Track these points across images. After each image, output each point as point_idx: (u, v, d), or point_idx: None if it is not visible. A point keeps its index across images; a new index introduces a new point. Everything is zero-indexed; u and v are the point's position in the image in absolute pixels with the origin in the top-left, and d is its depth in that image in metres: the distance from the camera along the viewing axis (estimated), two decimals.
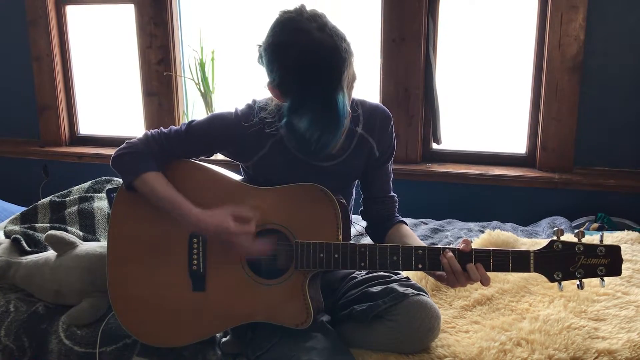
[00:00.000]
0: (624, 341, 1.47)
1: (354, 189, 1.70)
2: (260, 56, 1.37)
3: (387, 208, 1.65)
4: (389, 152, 1.62)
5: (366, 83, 2.87)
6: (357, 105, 1.57)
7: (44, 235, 1.84)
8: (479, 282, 1.38)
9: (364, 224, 1.73)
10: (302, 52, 1.28)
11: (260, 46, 1.37)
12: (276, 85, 1.35)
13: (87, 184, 2.26)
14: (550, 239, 1.35)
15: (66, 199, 2.16)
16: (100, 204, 2.15)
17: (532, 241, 2.07)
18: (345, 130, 1.43)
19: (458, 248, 1.38)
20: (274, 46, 1.32)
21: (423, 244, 1.51)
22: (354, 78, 1.38)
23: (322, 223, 1.45)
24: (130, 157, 1.52)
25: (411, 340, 1.48)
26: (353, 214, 1.74)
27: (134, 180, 1.51)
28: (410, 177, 2.74)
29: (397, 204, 1.67)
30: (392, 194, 1.67)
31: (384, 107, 1.61)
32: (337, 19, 1.36)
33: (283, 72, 1.32)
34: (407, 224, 1.64)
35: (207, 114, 2.99)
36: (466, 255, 1.37)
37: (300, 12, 1.32)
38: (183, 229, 1.52)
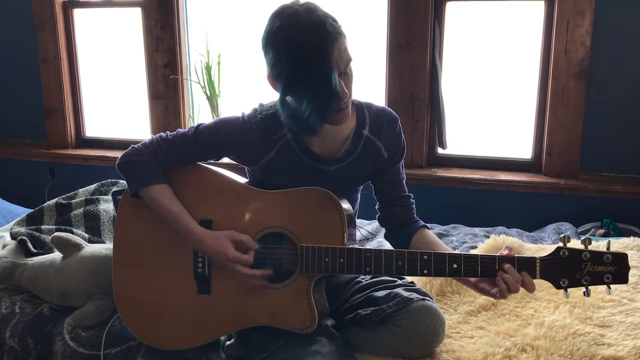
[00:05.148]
0: (630, 348, 1.46)
1: (359, 194, 1.70)
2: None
3: (405, 210, 1.63)
4: (399, 153, 1.62)
5: (372, 88, 2.87)
6: (363, 108, 1.57)
7: (50, 237, 1.84)
8: None
9: (370, 228, 1.72)
10: (290, 31, 1.32)
11: None
12: (271, 69, 1.38)
13: (93, 186, 2.27)
14: (556, 246, 1.35)
15: (72, 201, 2.16)
16: (106, 206, 2.16)
17: (538, 247, 2.06)
18: (343, 114, 1.42)
19: (462, 254, 1.38)
20: (268, 33, 1.36)
21: (451, 250, 1.52)
22: (347, 59, 1.37)
23: (328, 227, 1.45)
24: (137, 165, 1.53)
25: (416, 345, 1.48)
26: (360, 218, 1.73)
27: (139, 191, 1.52)
28: (415, 182, 2.73)
29: (414, 205, 1.65)
30: (408, 193, 1.66)
31: (391, 110, 1.61)
32: (343, 23, 1.37)
33: (275, 54, 1.35)
34: (429, 228, 1.62)
35: (213, 117, 3.00)
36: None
37: (292, 3, 1.37)
38: None
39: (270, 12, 1.38)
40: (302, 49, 1.31)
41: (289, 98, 1.37)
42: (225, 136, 1.54)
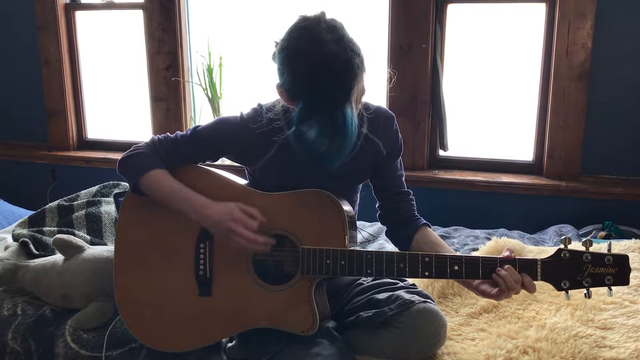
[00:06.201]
0: (632, 350, 1.46)
1: (359, 194, 1.70)
2: (274, 55, 1.38)
3: (405, 206, 1.63)
4: (397, 149, 1.62)
5: (372, 90, 2.86)
6: (360, 107, 1.57)
7: (52, 239, 1.85)
8: None
9: (371, 230, 1.72)
10: (314, 63, 1.28)
11: (276, 43, 1.37)
12: (285, 89, 1.36)
13: (94, 188, 2.27)
14: (557, 248, 1.35)
15: (74, 203, 2.17)
16: (108, 208, 2.16)
17: (539, 249, 2.06)
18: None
19: (463, 256, 1.38)
20: (288, 51, 1.32)
21: (453, 251, 1.52)
22: (362, 92, 1.39)
23: (329, 229, 1.45)
24: (136, 158, 1.53)
25: (417, 348, 1.48)
26: (362, 220, 1.73)
27: (140, 179, 1.51)
28: (416, 184, 2.73)
29: (414, 202, 1.65)
30: (407, 189, 1.66)
31: (387, 109, 1.63)
32: (344, 25, 1.36)
33: (293, 79, 1.32)
34: (430, 227, 1.62)
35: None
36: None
37: (318, 20, 1.31)
38: (190, 234, 1.53)
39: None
40: (323, 85, 1.28)
41: (304, 128, 1.32)
42: (224, 135, 1.55)
